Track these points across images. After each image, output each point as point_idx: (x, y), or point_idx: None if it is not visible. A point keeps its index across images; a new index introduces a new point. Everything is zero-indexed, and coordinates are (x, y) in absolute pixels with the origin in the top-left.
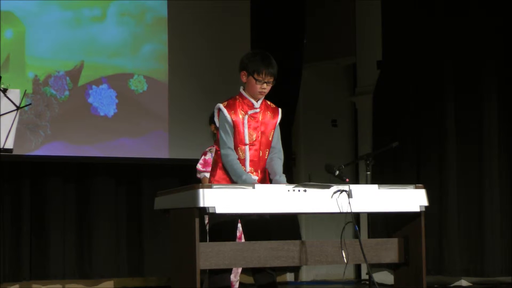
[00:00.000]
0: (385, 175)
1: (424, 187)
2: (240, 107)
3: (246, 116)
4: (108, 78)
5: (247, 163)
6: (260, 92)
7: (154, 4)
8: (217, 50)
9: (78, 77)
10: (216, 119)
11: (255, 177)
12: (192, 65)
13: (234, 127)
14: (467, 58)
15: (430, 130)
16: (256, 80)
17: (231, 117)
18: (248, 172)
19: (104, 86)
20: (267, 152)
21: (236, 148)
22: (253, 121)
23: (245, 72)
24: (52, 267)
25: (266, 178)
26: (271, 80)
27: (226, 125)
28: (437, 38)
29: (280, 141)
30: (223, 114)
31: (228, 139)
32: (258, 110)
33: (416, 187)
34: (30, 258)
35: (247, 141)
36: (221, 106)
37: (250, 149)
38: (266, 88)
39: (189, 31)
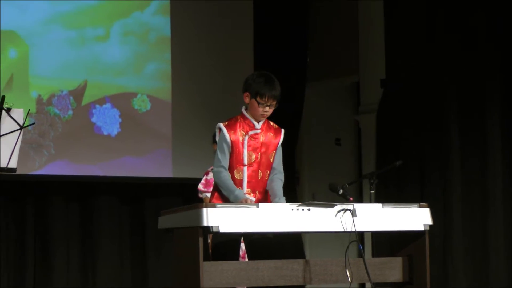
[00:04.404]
0: (389, 194)
1: (428, 206)
2: (241, 127)
3: (247, 137)
4: (112, 98)
5: (245, 184)
6: (262, 114)
7: (157, 23)
8: (220, 69)
9: (81, 97)
10: (216, 138)
11: (252, 198)
12: (196, 84)
13: (233, 147)
14: (470, 77)
15: (434, 149)
16: (259, 103)
17: (231, 137)
18: (245, 193)
19: (108, 105)
20: (267, 173)
21: (234, 168)
22: (253, 141)
23: (248, 93)
24: (56, 287)
25: (267, 198)
26: (274, 103)
27: (224, 144)
28: (440, 57)
29: (282, 162)
30: (223, 134)
31: (223, 158)
32: (259, 131)
33: (420, 206)
34: (34, 277)
35: (245, 162)
36: (221, 125)
37: (248, 169)
38: (269, 111)
39: (192, 50)
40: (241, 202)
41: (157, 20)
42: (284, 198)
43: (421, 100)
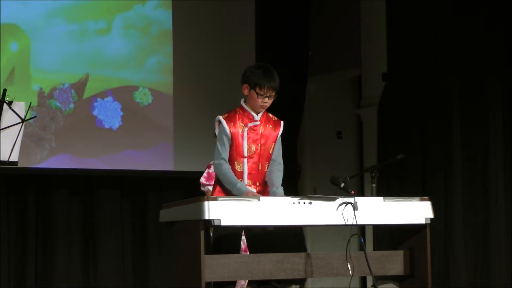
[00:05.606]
0: (391, 187)
1: (430, 199)
2: (240, 120)
3: (246, 129)
4: (113, 91)
5: (245, 175)
6: (261, 106)
7: (159, 16)
8: (222, 62)
9: (83, 90)
10: (216, 131)
11: (253, 189)
12: (197, 77)
13: (233, 139)
14: (472, 70)
15: (435, 142)
16: (258, 94)
17: (230, 130)
18: (246, 186)
19: (109, 98)
20: (266, 165)
21: (234, 160)
22: (253, 133)
23: (247, 85)
24: (57, 280)
25: (266, 190)
26: (273, 94)
27: (224, 137)
28: (442, 50)
29: (281, 154)
30: (223, 126)
31: (223, 150)
32: (258, 122)
33: (422, 199)
34: (35, 271)
35: (245, 154)
36: (220, 118)
37: (248, 161)
38: (268, 102)
39: (194, 44)
40: (246, 195)
41: (158, 13)
42: (282, 188)
43: (423, 93)
